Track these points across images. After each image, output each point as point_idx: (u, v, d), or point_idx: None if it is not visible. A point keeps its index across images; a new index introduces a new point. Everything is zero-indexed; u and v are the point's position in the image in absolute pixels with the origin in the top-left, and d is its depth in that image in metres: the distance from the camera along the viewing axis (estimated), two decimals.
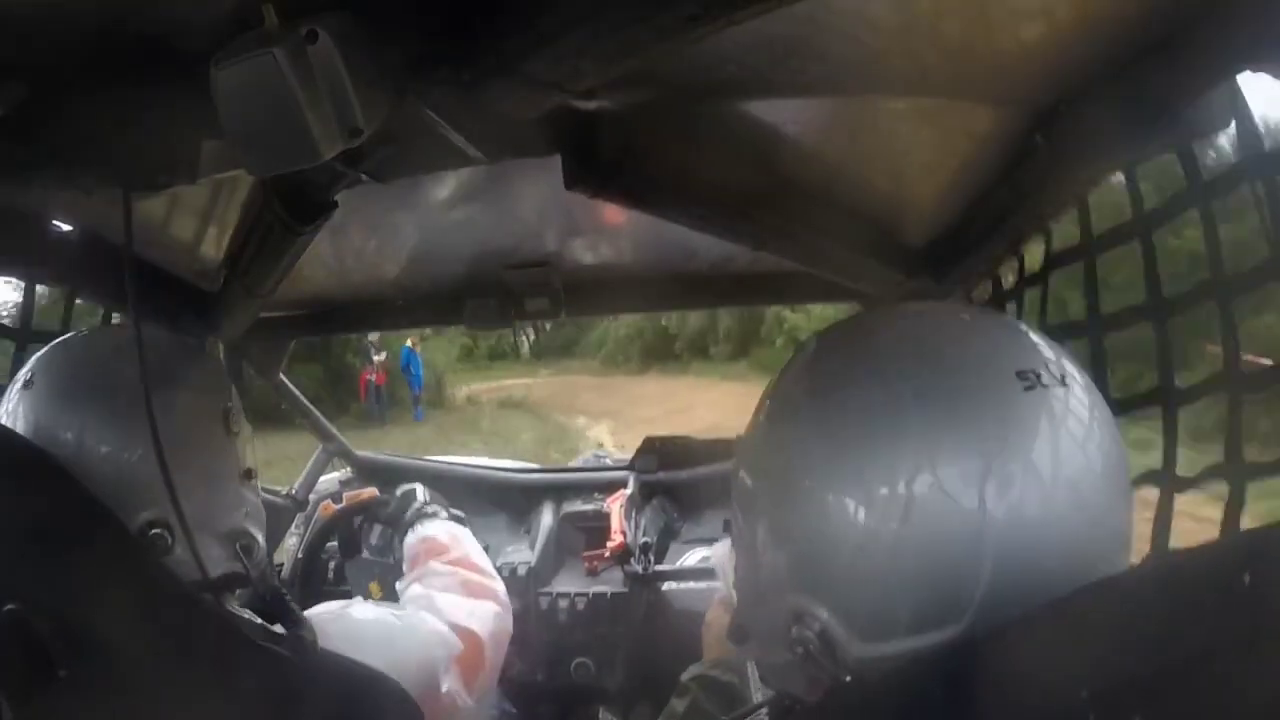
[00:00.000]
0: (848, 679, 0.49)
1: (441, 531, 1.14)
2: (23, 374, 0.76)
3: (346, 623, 0.81)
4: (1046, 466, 0.45)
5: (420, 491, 1.25)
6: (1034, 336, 0.51)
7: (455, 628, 0.91)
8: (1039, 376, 0.46)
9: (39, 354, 0.78)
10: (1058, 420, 0.46)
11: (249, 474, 0.82)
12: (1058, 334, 0.82)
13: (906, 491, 0.46)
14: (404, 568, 1.12)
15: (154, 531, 0.71)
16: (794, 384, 0.55)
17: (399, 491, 1.27)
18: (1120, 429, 0.51)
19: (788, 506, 0.52)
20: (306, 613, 0.78)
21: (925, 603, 0.46)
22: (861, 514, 0.47)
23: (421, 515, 1.18)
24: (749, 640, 0.59)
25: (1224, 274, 0.60)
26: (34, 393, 0.73)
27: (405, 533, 1.17)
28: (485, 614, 0.97)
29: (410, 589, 1.01)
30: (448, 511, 1.23)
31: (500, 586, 1.05)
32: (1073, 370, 0.49)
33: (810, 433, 0.51)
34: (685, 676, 0.82)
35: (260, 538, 0.82)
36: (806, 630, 0.50)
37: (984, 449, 0.45)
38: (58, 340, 0.81)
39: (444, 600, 0.96)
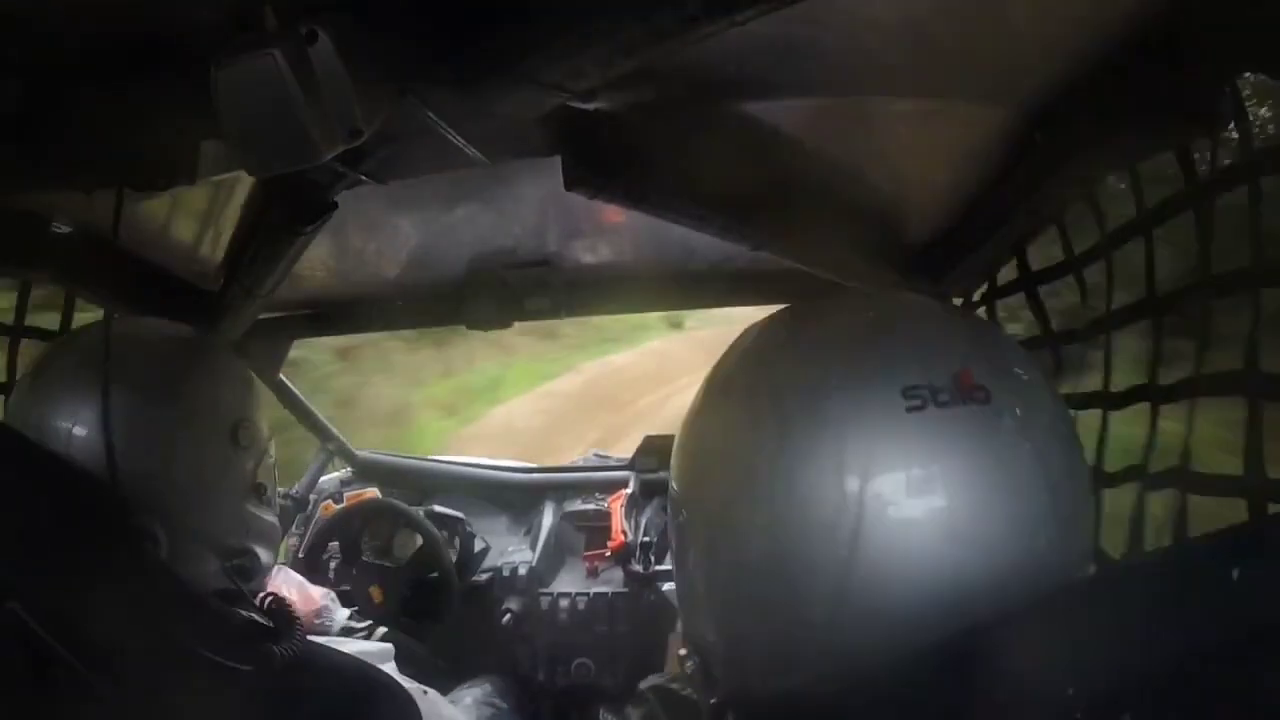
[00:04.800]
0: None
1: None
2: (29, 369, 0.76)
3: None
4: (920, 497, 0.40)
5: None
6: (969, 337, 0.46)
7: None
8: (935, 394, 0.40)
9: (45, 349, 0.78)
10: (949, 447, 0.40)
11: (259, 490, 0.79)
12: (1057, 335, 0.82)
13: (763, 518, 0.42)
14: None
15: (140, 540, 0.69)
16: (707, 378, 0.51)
17: None
18: None
19: (674, 520, 0.50)
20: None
21: (789, 636, 0.43)
22: (719, 537, 0.44)
23: None
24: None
25: (1209, 275, 0.60)
26: (37, 388, 0.73)
27: None
28: None
29: None
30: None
31: None
32: (1007, 383, 0.43)
33: (688, 441, 0.48)
34: (644, 685, 0.82)
35: (265, 556, 0.79)
36: (692, 655, 0.49)
37: (845, 473, 0.40)
38: (64, 336, 0.81)
39: None
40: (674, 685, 0.80)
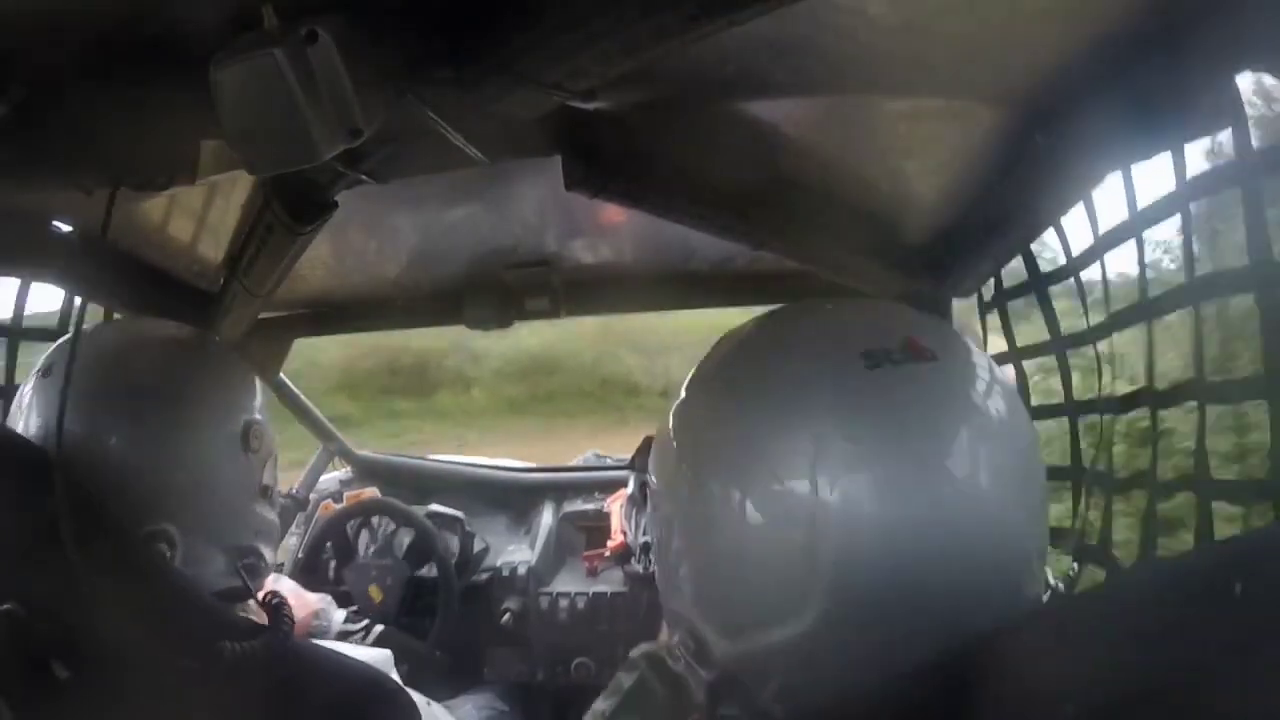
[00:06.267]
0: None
1: None
2: (42, 362, 0.75)
3: None
4: (885, 446, 0.43)
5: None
6: (911, 315, 0.51)
7: None
8: (889, 354, 0.45)
9: (59, 343, 0.78)
10: (907, 397, 0.44)
11: (266, 491, 0.80)
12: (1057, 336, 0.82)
13: (743, 481, 0.45)
14: None
15: (156, 544, 0.70)
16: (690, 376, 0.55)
17: None
18: None
19: (657, 500, 0.53)
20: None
21: (770, 594, 0.45)
22: (705, 507, 0.47)
23: None
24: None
25: (1195, 279, 0.60)
26: (51, 382, 0.73)
27: None
28: None
29: None
30: None
31: None
32: (951, 346, 0.47)
33: (673, 425, 0.52)
34: (636, 652, 0.81)
35: (268, 554, 0.81)
36: (683, 631, 0.51)
37: (813, 430, 0.44)
38: (71, 336, 0.81)
39: None
40: (668, 658, 0.79)
